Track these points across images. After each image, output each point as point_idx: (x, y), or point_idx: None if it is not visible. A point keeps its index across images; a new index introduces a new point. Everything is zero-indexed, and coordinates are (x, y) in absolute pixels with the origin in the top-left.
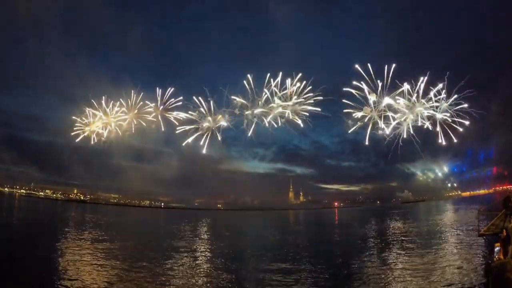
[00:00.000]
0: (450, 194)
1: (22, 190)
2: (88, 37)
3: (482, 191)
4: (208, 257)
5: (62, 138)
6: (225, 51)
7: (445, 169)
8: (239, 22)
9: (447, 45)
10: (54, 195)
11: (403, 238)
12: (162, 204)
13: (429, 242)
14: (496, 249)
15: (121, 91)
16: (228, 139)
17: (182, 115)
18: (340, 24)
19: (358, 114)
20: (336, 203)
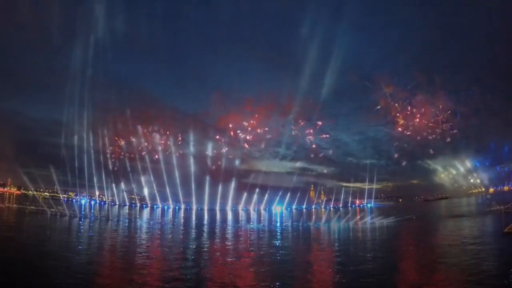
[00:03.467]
0: (474, 191)
1: (46, 193)
2: (105, 45)
3: (506, 188)
4: None
5: (83, 142)
6: (243, 52)
7: (468, 164)
8: (257, 24)
9: (467, 41)
10: (77, 197)
11: (424, 239)
12: (183, 205)
13: (451, 242)
14: None
15: (140, 97)
16: (249, 139)
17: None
18: (357, 23)
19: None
20: (357, 202)
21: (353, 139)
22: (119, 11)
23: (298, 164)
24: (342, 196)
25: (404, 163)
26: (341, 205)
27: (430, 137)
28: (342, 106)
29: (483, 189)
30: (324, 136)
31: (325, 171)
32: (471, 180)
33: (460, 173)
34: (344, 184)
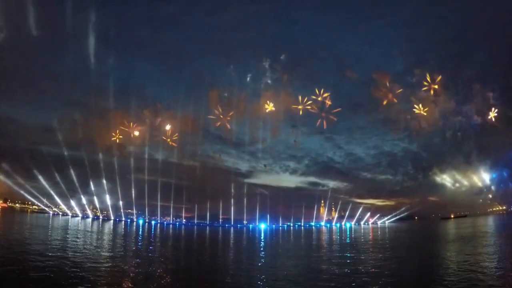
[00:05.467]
0: (494, 208)
1: (34, 207)
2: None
3: None
4: None
5: (79, 151)
6: (256, 59)
7: (485, 176)
8: (270, 32)
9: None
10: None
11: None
12: (184, 220)
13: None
14: None
15: (145, 103)
16: (258, 152)
17: None
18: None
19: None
20: (370, 219)
21: (368, 154)
22: (118, 14)
23: (309, 179)
24: (354, 213)
25: (420, 178)
26: (353, 223)
27: (447, 150)
28: (358, 119)
29: (504, 207)
30: None
31: (337, 186)
32: (489, 195)
33: (477, 187)
34: (357, 200)
